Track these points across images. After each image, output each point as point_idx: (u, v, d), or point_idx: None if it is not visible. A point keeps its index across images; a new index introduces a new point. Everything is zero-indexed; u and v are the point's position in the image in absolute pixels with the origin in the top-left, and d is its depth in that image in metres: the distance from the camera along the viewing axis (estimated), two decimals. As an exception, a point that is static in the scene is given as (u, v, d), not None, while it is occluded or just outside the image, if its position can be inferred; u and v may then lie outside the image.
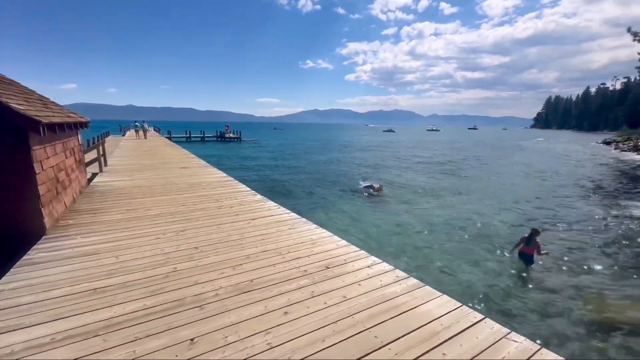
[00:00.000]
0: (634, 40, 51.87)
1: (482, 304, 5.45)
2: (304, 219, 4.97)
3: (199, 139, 43.45)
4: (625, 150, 36.18)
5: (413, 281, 3.03)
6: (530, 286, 6.09)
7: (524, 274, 6.54)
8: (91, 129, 20.09)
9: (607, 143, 49.63)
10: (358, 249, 3.81)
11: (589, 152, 37.87)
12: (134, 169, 9.78)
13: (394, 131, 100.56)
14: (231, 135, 45.98)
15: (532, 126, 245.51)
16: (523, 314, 5.18)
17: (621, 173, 21.49)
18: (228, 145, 39.10)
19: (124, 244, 3.83)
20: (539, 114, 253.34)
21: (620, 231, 9.27)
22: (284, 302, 2.62)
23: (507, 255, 7.35)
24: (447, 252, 7.62)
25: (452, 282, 6.20)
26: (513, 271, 6.70)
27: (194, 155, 13.55)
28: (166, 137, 31.50)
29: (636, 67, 64.43)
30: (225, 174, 9.07)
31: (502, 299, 5.65)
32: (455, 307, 2.60)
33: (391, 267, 3.31)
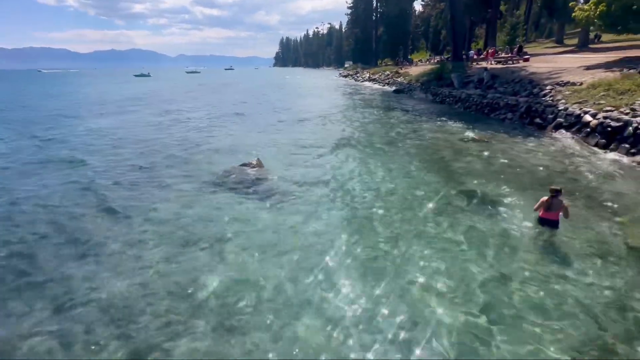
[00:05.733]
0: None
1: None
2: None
3: None
4: (364, 81, 46.46)
5: None
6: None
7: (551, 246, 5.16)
8: None
9: (344, 76, 62.46)
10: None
11: (344, 84, 46.03)
12: None
13: (149, 75, 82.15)
14: None
15: (274, 65, 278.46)
16: None
17: (384, 97, 26.74)
18: None
19: None
20: (277, 53, 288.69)
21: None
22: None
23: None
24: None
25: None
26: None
27: None
28: None
29: (346, 14, 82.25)
30: None
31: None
32: None
33: None
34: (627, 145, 9.16)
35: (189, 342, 3.51)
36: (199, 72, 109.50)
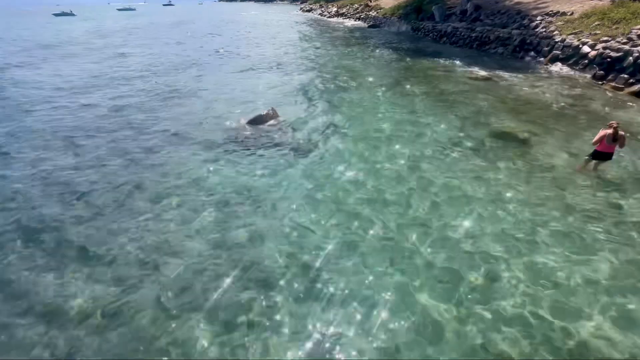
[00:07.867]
0: None
1: None
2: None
3: None
4: (331, 17, 43.01)
5: None
6: None
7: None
8: None
9: (307, 11, 57.38)
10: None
11: (310, 19, 42.29)
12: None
13: (72, 14, 68.88)
14: None
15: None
16: None
17: (361, 33, 25.19)
18: None
19: None
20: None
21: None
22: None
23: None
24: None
25: None
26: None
27: None
28: None
29: None
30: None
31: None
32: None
33: None
34: (625, 76, 9.60)
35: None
36: (134, 10, 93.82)
